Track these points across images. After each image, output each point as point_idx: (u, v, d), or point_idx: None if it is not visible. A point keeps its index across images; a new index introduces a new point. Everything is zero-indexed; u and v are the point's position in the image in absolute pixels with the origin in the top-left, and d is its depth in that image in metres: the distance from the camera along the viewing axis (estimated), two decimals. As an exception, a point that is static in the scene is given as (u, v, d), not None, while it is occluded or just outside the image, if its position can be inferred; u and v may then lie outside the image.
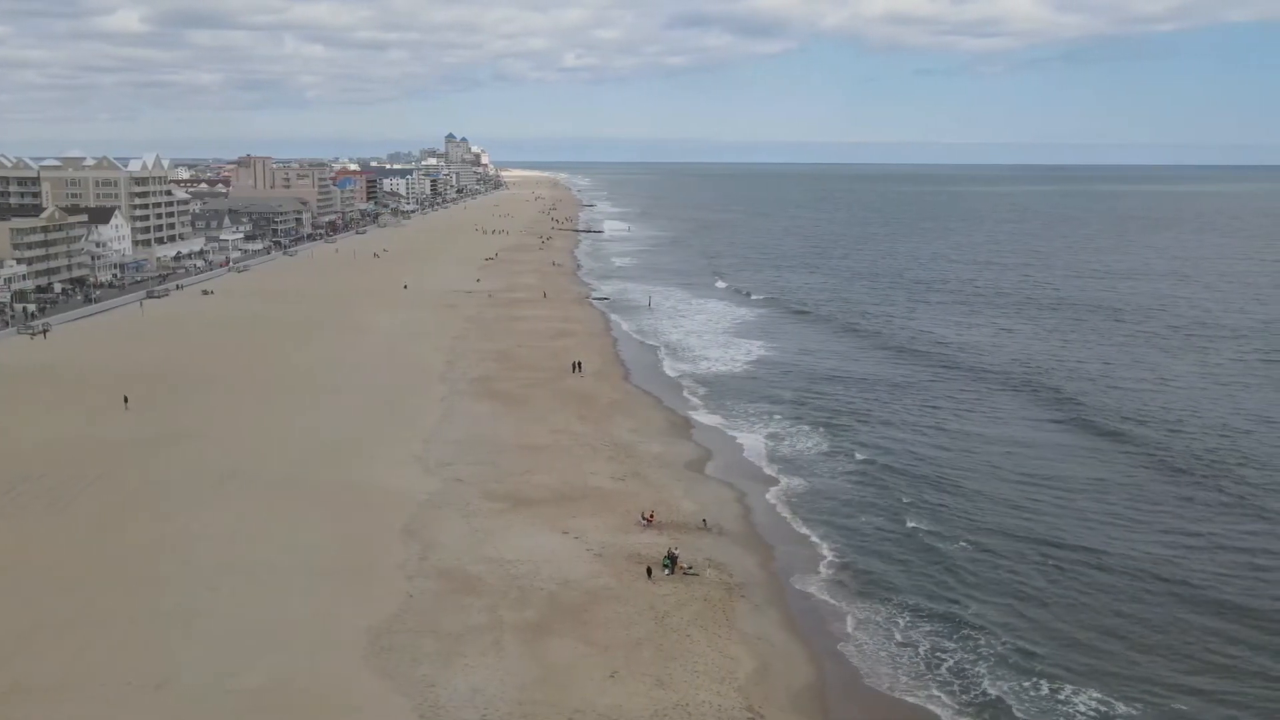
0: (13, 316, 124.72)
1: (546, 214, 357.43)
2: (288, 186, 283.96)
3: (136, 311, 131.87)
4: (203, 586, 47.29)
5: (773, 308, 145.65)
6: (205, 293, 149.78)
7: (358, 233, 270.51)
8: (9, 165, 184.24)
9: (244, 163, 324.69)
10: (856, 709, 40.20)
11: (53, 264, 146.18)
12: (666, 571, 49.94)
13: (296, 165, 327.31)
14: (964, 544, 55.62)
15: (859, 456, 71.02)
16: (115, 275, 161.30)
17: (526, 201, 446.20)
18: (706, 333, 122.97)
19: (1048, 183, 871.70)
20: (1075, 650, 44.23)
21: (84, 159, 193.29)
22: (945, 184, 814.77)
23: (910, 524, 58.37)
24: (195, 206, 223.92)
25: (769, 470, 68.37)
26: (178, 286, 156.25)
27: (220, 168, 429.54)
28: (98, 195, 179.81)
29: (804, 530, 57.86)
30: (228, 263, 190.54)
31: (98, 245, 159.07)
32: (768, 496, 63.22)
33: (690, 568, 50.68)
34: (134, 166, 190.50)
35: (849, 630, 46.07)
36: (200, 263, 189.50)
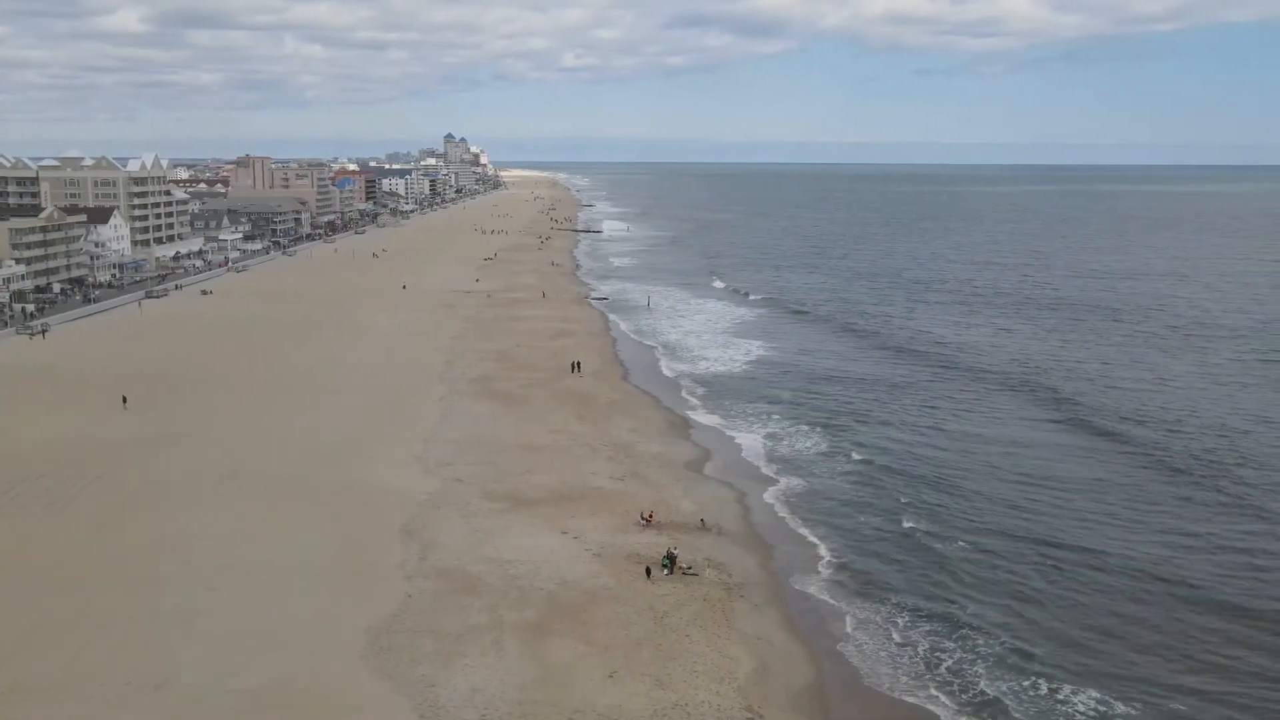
0: (12, 317, 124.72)
1: (545, 214, 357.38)
2: (286, 186, 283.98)
3: (135, 311, 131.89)
4: (202, 586, 47.33)
5: (772, 308, 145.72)
6: (204, 293, 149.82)
7: (357, 233, 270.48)
8: (8, 165, 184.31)
9: (243, 163, 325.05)
10: (856, 709, 40.25)
11: (51, 264, 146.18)
12: (666, 571, 49.99)
13: (295, 165, 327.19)
14: (963, 544, 55.68)
15: (858, 456, 71.09)
16: (114, 275, 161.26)
17: (525, 201, 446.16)
18: (705, 333, 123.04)
19: (1047, 183, 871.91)
20: (1074, 650, 44.30)
21: (83, 159, 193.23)
22: (945, 184, 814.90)
23: (909, 524, 58.44)
24: (194, 206, 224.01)
25: (768, 470, 68.43)
26: (177, 286, 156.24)
27: (219, 168, 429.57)
28: (96, 195, 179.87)
29: (803, 530, 57.91)
30: (226, 263, 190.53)
31: (96, 245, 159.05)
32: (767, 496, 63.28)
33: (689, 568, 50.72)
34: (133, 166, 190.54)
35: (848, 630, 46.13)
36: (199, 263, 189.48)
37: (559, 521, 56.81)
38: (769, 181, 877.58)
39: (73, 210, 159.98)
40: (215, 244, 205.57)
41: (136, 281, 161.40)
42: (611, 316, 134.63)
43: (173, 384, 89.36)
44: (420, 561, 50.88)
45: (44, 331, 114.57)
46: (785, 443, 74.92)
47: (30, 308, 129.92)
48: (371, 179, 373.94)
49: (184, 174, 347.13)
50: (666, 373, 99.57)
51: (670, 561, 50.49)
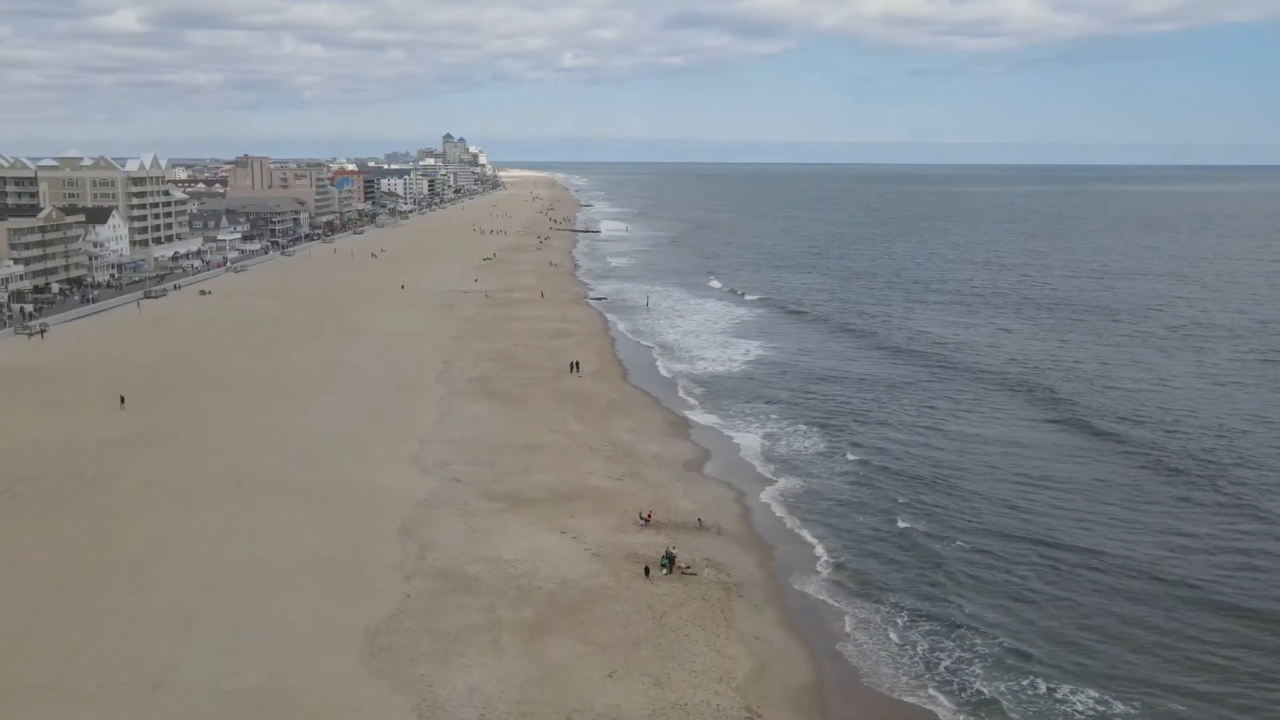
0: (10, 317, 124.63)
1: (544, 214, 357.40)
2: (285, 187, 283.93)
3: (134, 312, 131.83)
4: (200, 586, 47.29)
5: (770, 308, 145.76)
6: (203, 293, 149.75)
7: (355, 233, 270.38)
8: (6, 165, 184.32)
9: (241, 163, 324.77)
10: (855, 709, 40.25)
11: (50, 264, 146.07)
12: (664, 571, 49.98)
13: (294, 165, 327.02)
14: (961, 544, 55.69)
15: (856, 456, 71.08)
16: (112, 275, 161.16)
17: (524, 201, 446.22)
18: (704, 333, 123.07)
19: (1046, 183, 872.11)
20: (1072, 650, 44.31)
21: (81, 159, 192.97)
22: (943, 184, 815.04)
23: (907, 524, 58.42)
24: (193, 207, 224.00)
25: (766, 470, 68.43)
26: (175, 287, 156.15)
27: (218, 168, 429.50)
28: (95, 195, 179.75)
29: (802, 530, 57.92)
30: (225, 263, 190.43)
31: (95, 245, 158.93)
32: (765, 496, 63.29)
33: (688, 567, 50.71)
34: (131, 166, 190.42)
35: (847, 630, 46.13)
36: (198, 263, 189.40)
37: (558, 521, 56.79)
38: (767, 181, 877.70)
39: (71, 210, 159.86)
40: (214, 244, 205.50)
41: (135, 282, 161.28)
42: (610, 316, 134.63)
43: (171, 384, 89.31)
44: (418, 561, 50.86)
45: (42, 331, 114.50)
46: (784, 443, 74.93)
47: (29, 308, 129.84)
48: (370, 179, 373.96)
49: (182, 174, 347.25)
50: (665, 373, 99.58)
51: (669, 561, 50.48)
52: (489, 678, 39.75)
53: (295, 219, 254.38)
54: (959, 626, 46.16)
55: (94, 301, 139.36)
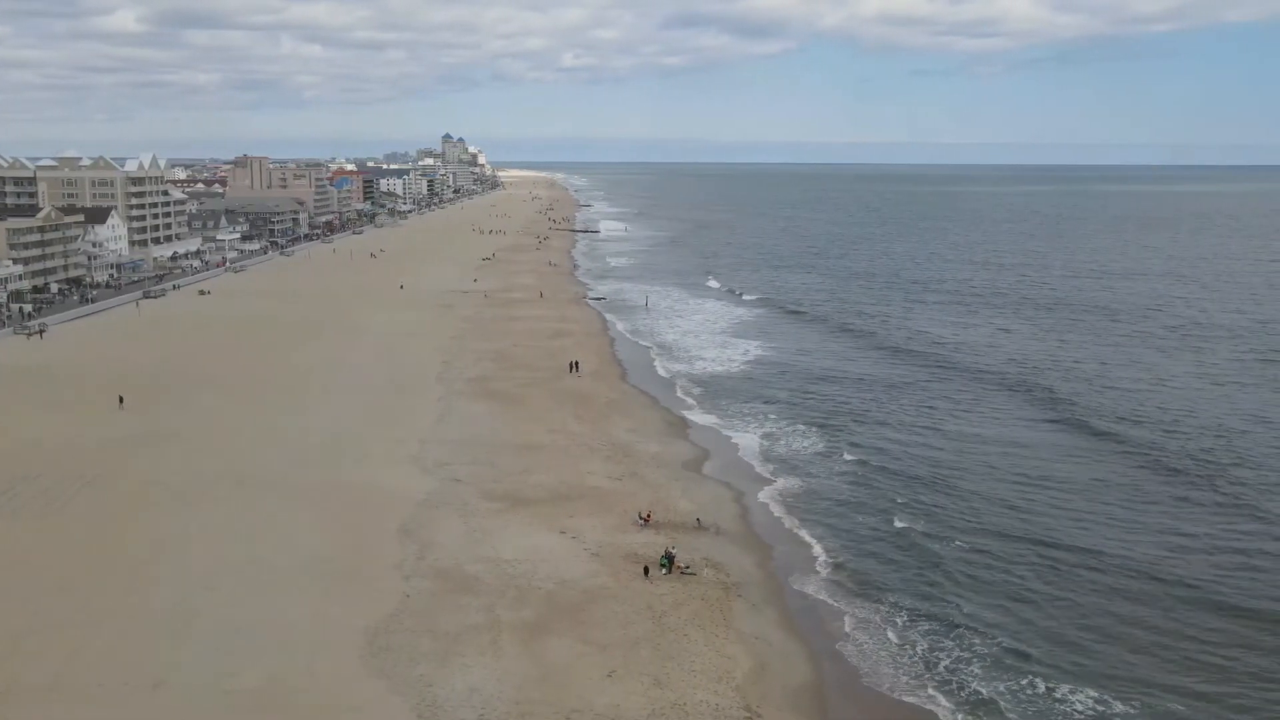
0: (9, 317, 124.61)
1: (543, 214, 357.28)
2: (284, 187, 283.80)
3: (133, 312, 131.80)
4: (200, 586, 47.31)
5: (769, 308, 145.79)
6: (202, 293, 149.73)
7: (354, 233, 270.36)
8: (5, 165, 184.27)
9: (241, 163, 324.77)
10: (854, 708, 40.28)
11: (49, 264, 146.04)
12: (664, 571, 50.02)
13: (293, 165, 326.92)
14: (960, 544, 55.73)
15: (855, 456, 71.11)
16: (112, 275, 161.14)
17: (524, 201, 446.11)
18: (703, 333, 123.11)
19: (1045, 183, 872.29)
20: (1071, 650, 44.35)
21: (80, 159, 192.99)
22: (942, 184, 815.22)
23: (906, 524, 58.45)
24: (192, 206, 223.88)
25: (765, 470, 68.46)
26: (174, 287, 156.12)
27: (217, 168, 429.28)
28: (94, 195, 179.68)
29: (801, 530, 57.95)
30: (224, 263, 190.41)
31: (94, 245, 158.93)
32: (764, 496, 63.32)
33: (688, 567, 50.75)
34: (130, 166, 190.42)
35: (846, 630, 46.16)
36: (197, 263, 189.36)
37: (557, 521, 56.82)
38: (767, 181, 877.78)
39: (70, 210, 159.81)
40: (213, 244, 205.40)
41: (134, 281, 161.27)
42: (609, 316, 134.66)
43: (170, 384, 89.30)
44: (418, 561, 50.88)
45: (41, 331, 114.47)
46: (782, 442, 74.97)
47: (28, 308, 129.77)
48: (369, 179, 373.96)
49: (182, 174, 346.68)
50: (664, 373, 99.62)
51: (668, 561, 50.52)
52: (488, 678, 39.78)
53: (294, 219, 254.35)
54: (958, 626, 46.20)
55: (93, 301, 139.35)
